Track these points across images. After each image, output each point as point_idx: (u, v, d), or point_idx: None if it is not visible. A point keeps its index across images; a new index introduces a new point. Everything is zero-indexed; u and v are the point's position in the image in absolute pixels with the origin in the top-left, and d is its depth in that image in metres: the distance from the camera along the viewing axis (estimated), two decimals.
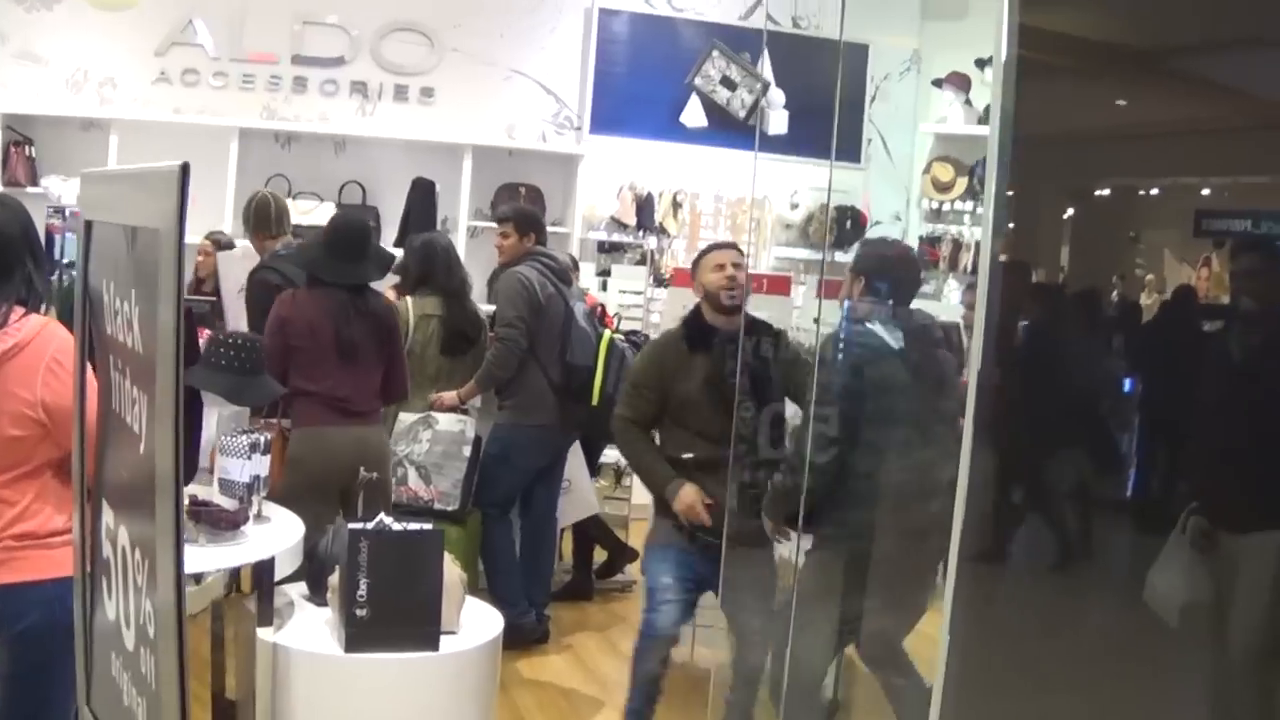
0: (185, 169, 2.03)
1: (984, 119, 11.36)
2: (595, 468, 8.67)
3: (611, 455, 8.84)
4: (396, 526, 4.72)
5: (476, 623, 4.99)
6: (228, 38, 10.43)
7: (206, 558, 4.64)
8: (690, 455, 5.66)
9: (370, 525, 4.68)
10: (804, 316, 7.29)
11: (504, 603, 7.15)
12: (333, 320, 6.35)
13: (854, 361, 5.23)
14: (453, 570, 4.83)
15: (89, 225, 2.90)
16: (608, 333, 7.70)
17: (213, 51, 10.42)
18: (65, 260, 7.57)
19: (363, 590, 4.51)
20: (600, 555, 8.80)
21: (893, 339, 5.30)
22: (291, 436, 6.36)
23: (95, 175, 2.99)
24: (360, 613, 4.52)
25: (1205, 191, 4.25)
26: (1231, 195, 4.31)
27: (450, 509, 7.19)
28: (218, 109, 10.32)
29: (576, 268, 9.15)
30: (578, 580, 8.63)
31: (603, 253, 11.19)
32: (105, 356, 2.86)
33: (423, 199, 10.23)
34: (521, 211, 7.99)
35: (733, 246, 6.05)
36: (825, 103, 11.60)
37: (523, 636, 7.29)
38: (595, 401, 7.42)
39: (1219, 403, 3.86)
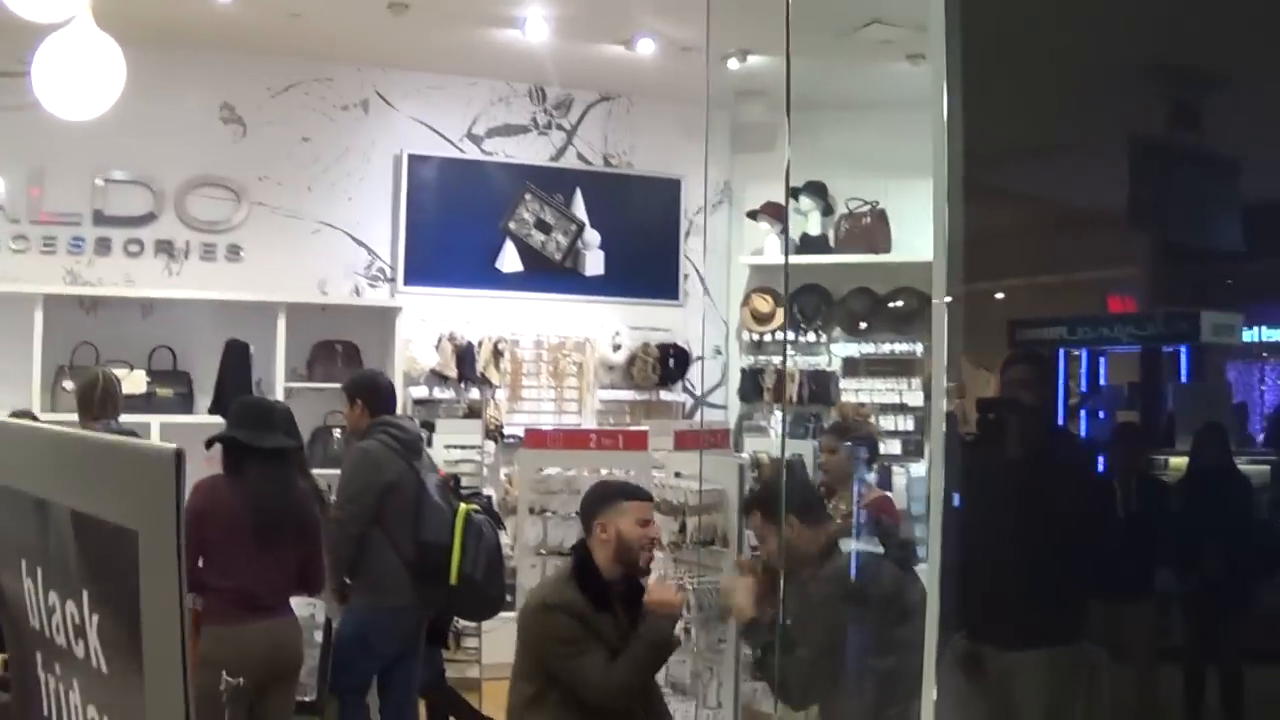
0: (180, 456, 1.59)
1: (800, 248, 11.32)
2: (445, 638, 8.20)
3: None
4: None
5: None
6: (25, 198, 9.88)
7: None
8: None
9: None
10: (666, 473, 6.94)
11: None
12: (254, 511, 5.95)
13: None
14: None
15: None
16: (463, 506, 7.23)
17: (11, 213, 9.85)
18: None
19: None
20: None
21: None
22: (202, 634, 5.88)
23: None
24: None
25: (999, 295, 4.14)
26: (1028, 297, 4.27)
27: (307, 699, 6.67)
28: (19, 275, 9.72)
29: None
30: None
31: (419, 405, 10.74)
32: (21, 646, 2.21)
33: (237, 361, 9.72)
34: (359, 380, 7.56)
35: (650, 498, 5.69)
36: (641, 240, 11.59)
37: None
38: (454, 580, 6.94)
39: (990, 516, 3.82)
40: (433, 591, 7.03)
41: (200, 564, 5.95)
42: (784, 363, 11.79)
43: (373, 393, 7.35)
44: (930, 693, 3.41)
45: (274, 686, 6.03)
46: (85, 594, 1.91)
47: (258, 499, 5.98)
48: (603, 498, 5.48)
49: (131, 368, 9.67)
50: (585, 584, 5.26)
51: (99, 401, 6.88)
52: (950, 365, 4.15)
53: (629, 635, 5.23)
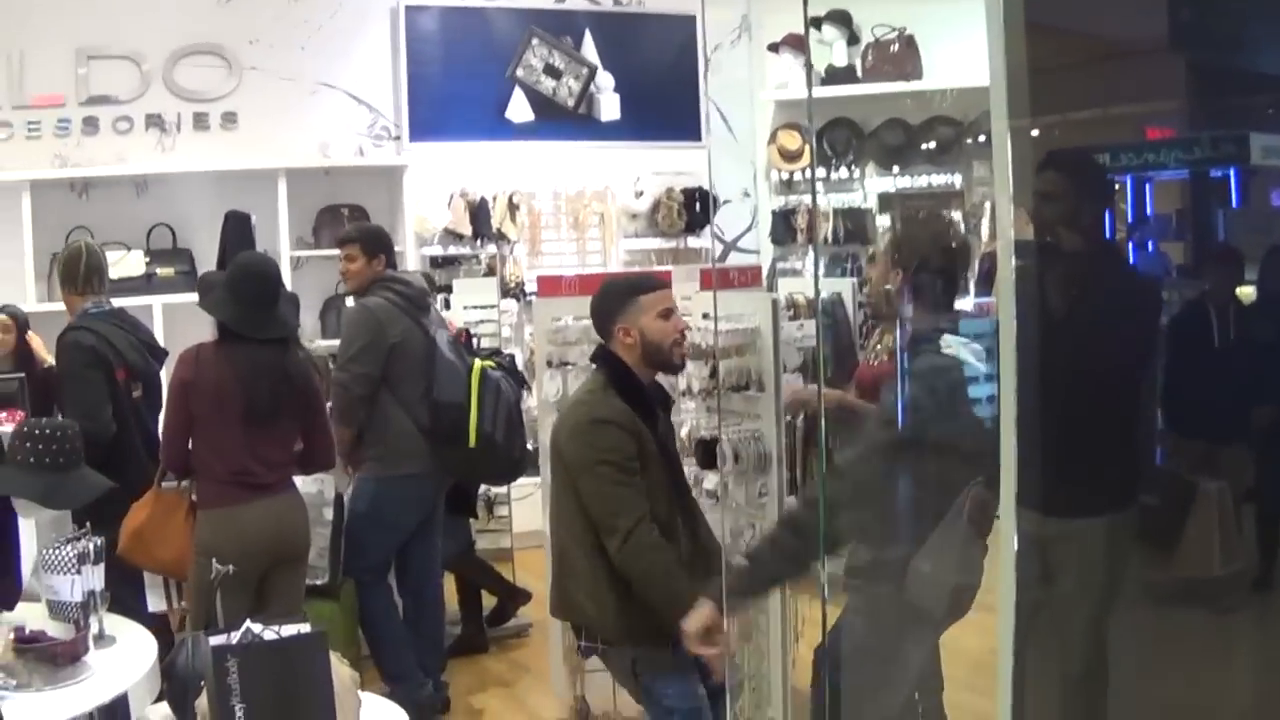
0: None
1: (826, 80, 10.98)
2: (472, 508, 7.96)
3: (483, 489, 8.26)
4: (268, 634, 3.98)
5: None
6: (6, 82, 9.59)
7: (44, 706, 3.90)
8: None
9: (236, 636, 3.94)
10: (693, 316, 6.54)
11: (395, 679, 6.50)
12: (245, 382, 5.63)
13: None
14: (342, 672, 4.11)
15: None
16: (478, 362, 6.92)
17: None
18: None
19: (239, 717, 3.78)
20: (488, 600, 8.11)
21: (975, 357, 4.50)
22: (198, 520, 5.67)
23: None
24: None
25: (1035, 133, 3.88)
26: (1064, 132, 4.00)
27: (319, 582, 6.44)
28: (4, 163, 9.45)
29: (434, 289, 8.41)
30: (468, 633, 7.97)
31: (437, 267, 10.46)
32: None
33: (238, 233, 9.41)
34: (367, 230, 7.21)
35: (667, 285, 5.14)
36: (657, 81, 11.25)
37: (422, 713, 6.48)
38: (473, 442, 6.67)
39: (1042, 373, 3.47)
40: (451, 455, 6.78)
41: (191, 444, 5.70)
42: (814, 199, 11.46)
43: (388, 246, 7.06)
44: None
45: (279, 571, 5.79)
46: None
47: (250, 367, 5.65)
48: (617, 297, 4.93)
49: (129, 249, 9.45)
50: (626, 393, 4.78)
51: (84, 275, 6.54)
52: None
53: (668, 443, 4.95)
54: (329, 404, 6.58)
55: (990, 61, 3.28)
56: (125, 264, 9.21)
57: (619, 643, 4.78)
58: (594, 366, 5.06)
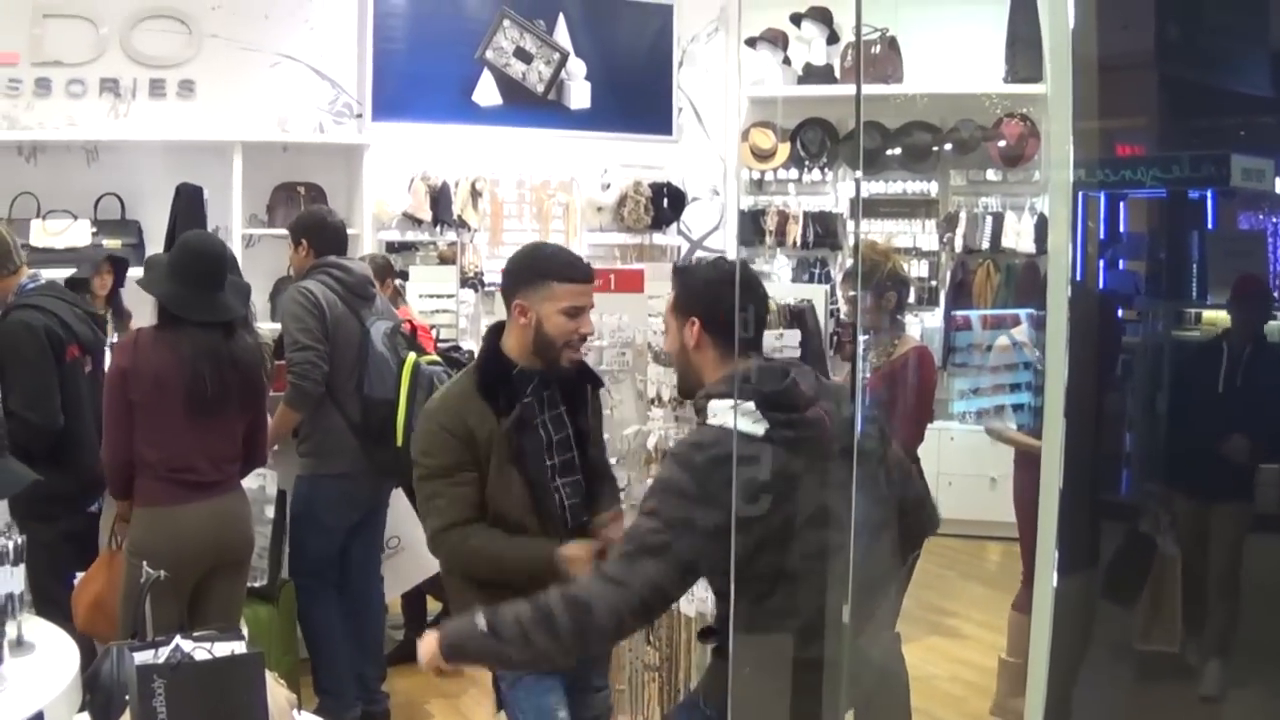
0: None
1: (803, 78, 10.87)
2: None
3: None
4: (199, 652, 3.78)
5: None
6: None
7: None
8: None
9: (163, 653, 3.73)
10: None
11: (326, 693, 6.32)
12: (188, 369, 5.30)
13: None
14: (278, 693, 3.93)
15: None
16: (412, 356, 6.66)
17: None
18: None
19: None
20: (434, 605, 7.93)
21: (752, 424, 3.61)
22: (132, 518, 5.40)
23: None
24: None
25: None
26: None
27: (258, 584, 6.22)
28: None
29: (392, 274, 8.13)
30: (411, 640, 7.72)
31: (394, 252, 10.28)
32: None
33: (189, 207, 9.21)
34: (302, 220, 6.92)
35: (590, 279, 4.52)
36: (630, 71, 11.12)
37: None
38: (400, 441, 6.41)
39: None
40: (380, 454, 6.47)
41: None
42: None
43: (318, 232, 6.74)
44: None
45: (218, 577, 5.51)
46: None
47: (193, 352, 5.33)
48: (528, 272, 4.42)
49: (75, 218, 9.25)
50: (486, 381, 4.39)
51: (6, 253, 6.13)
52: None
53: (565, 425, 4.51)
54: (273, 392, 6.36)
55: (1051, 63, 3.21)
56: (70, 233, 9.02)
57: None
58: None
